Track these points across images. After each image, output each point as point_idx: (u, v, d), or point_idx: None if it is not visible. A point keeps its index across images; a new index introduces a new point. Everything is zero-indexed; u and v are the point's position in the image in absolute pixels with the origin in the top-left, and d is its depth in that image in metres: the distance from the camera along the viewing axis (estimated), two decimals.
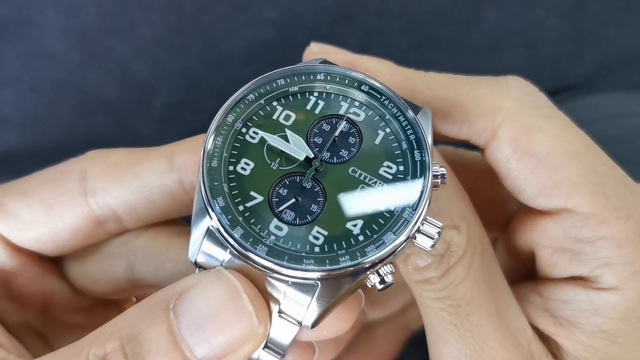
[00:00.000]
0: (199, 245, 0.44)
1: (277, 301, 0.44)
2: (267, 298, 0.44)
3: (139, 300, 0.61)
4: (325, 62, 0.49)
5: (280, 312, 0.44)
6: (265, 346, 0.45)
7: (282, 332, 0.45)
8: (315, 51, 0.53)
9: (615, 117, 0.86)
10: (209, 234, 0.44)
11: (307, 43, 0.54)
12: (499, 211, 0.57)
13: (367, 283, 0.44)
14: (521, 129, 0.47)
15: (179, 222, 0.56)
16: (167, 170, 0.50)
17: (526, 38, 0.91)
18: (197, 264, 0.45)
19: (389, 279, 0.43)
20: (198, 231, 0.44)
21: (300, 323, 0.44)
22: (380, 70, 0.49)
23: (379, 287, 0.43)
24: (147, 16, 0.86)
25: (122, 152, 0.52)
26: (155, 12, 0.86)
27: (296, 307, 0.44)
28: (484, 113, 0.48)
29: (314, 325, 0.44)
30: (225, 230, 0.43)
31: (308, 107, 0.47)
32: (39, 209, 0.51)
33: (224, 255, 0.44)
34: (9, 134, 0.85)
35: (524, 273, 0.54)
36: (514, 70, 0.52)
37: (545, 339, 0.50)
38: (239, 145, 0.46)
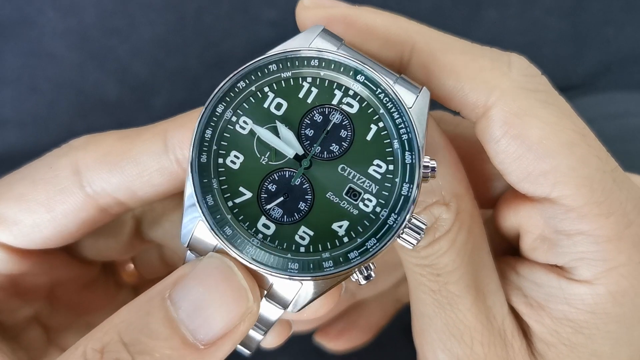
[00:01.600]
0: (191, 231, 0.44)
1: (264, 286, 0.45)
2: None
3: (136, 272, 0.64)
4: (325, 30, 0.46)
5: (267, 296, 0.45)
6: None
7: (268, 312, 0.46)
8: (308, 5, 0.49)
9: (615, 117, 0.86)
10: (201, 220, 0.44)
11: None
12: (491, 184, 0.55)
13: (351, 278, 0.44)
14: (515, 112, 0.45)
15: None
16: (163, 151, 0.49)
17: (526, 38, 0.91)
18: (190, 247, 0.45)
19: (371, 275, 0.44)
20: (189, 217, 0.44)
21: (285, 308, 0.45)
22: (379, 25, 0.47)
23: (362, 282, 0.44)
24: (147, 16, 0.86)
25: (111, 137, 0.51)
26: (155, 12, 0.86)
27: (282, 297, 0.45)
28: (478, 89, 0.45)
29: (297, 311, 0.45)
30: (213, 231, 0.43)
31: (300, 95, 0.46)
32: (40, 211, 0.50)
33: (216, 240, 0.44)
34: (9, 134, 0.85)
35: (509, 249, 0.54)
36: None
37: (519, 319, 0.50)
38: (228, 135, 0.45)
